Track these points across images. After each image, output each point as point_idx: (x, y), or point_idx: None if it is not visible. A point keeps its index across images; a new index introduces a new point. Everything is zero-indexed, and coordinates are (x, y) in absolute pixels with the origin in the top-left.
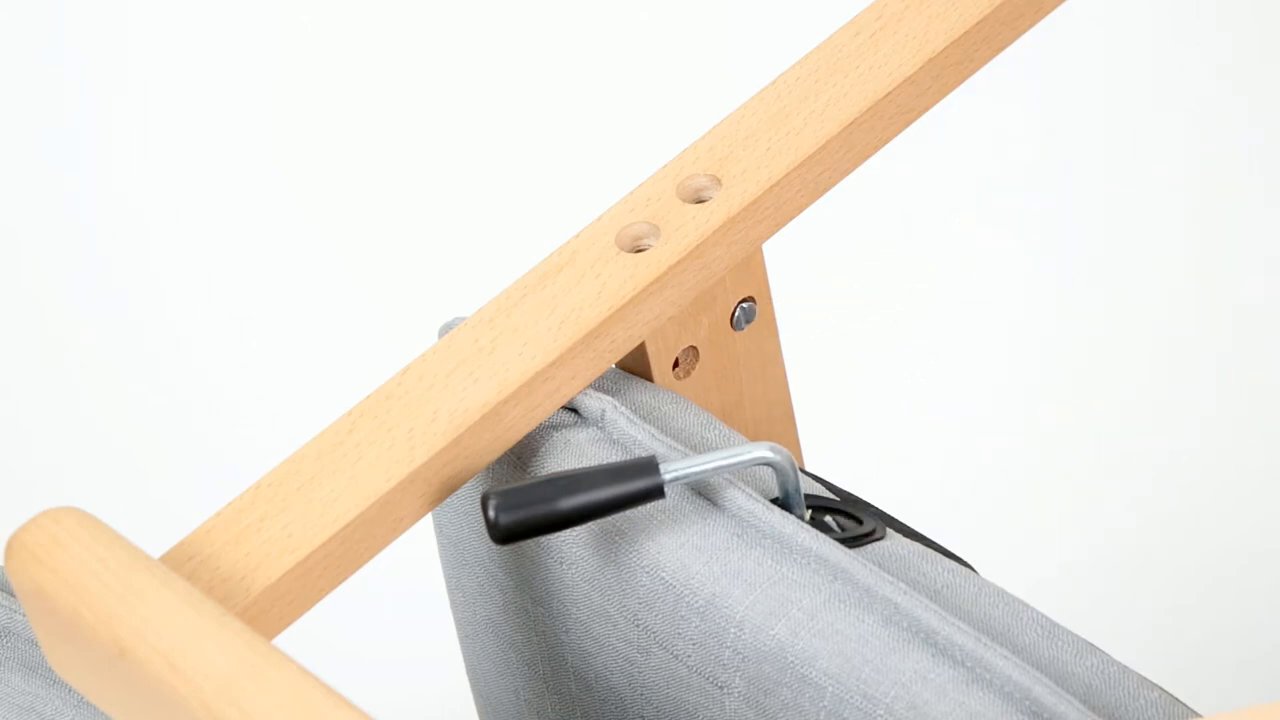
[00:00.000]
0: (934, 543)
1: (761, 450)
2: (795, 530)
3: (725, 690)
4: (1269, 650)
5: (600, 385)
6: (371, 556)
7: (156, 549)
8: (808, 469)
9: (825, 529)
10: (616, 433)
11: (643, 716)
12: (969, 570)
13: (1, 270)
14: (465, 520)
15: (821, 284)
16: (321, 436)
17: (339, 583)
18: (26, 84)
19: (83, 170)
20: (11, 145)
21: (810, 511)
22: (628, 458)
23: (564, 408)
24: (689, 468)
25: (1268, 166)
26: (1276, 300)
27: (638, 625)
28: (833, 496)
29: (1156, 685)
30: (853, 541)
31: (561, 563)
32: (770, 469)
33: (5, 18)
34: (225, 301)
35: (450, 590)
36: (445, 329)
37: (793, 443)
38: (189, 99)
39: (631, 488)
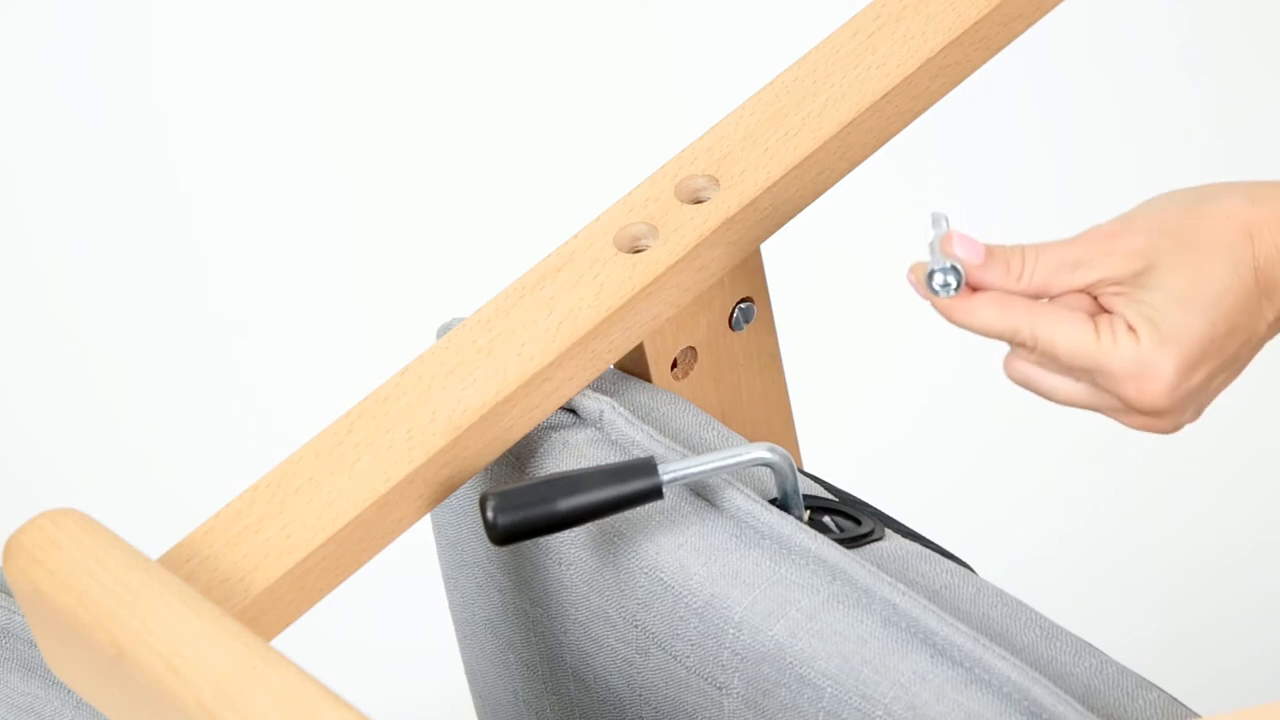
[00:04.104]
0: (932, 543)
1: (760, 451)
2: (794, 531)
3: (724, 691)
4: (1269, 650)
5: (599, 386)
6: (370, 558)
7: (155, 550)
8: (806, 469)
9: (824, 529)
10: (615, 433)
11: (641, 717)
12: (968, 571)
13: (3, 272)
14: (464, 521)
15: (821, 284)
16: (320, 438)
17: (338, 584)
18: (24, 86)
19: (82, 171)
20: (12, 146)
21: (809, 512)
22: (626, 458)
23: (562, 408)
24: (687, 468)
25: (1268, 166)
26: None
27: (636, 626)
28: (831, 497)
29: (1155, 685)
30: (851, 542)
31: (560, 564)
32: (769, 469)
33: (8, 19)
34: (224, 302)
35: (449, 591)
36: (444, 329)
37: (791, 443)
38: (189, 102)
39: (630, 488)
